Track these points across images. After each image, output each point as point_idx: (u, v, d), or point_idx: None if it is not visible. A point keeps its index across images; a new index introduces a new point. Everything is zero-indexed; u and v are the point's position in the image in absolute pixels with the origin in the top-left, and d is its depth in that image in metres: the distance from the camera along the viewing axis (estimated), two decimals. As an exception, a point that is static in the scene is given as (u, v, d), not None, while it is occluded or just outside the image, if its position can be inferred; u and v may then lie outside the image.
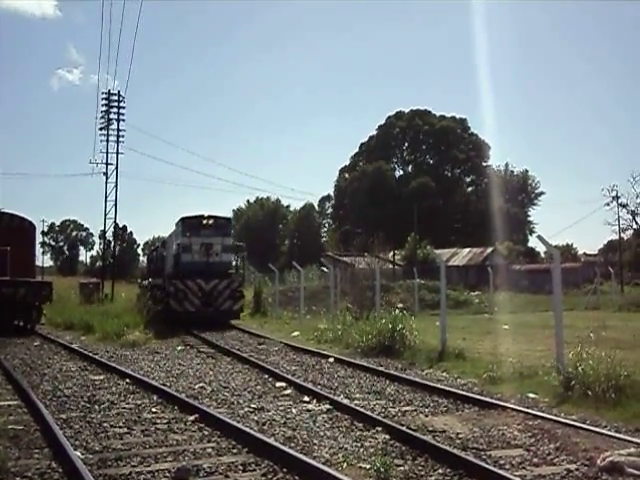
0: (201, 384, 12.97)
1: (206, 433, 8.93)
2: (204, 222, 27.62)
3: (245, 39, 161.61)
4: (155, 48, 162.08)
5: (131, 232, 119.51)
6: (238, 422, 9.32)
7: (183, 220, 27.85)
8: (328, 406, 10.59)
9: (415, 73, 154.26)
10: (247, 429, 8.74)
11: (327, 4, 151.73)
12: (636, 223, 78.79)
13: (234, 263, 29.59)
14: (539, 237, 13.88)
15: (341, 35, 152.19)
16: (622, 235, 71.50)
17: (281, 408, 10.62)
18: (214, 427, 9.12)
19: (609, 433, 8.54)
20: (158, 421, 9.73)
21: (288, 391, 12.14)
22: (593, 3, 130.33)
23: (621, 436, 8.36)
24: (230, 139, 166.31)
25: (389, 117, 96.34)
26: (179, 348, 19.38)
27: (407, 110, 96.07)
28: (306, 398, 11.37)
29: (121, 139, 52.89)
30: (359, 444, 8.26)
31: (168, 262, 29.42)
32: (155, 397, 11.57)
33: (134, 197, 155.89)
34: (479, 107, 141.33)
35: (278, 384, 12.90)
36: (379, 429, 8.89)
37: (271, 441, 8.10)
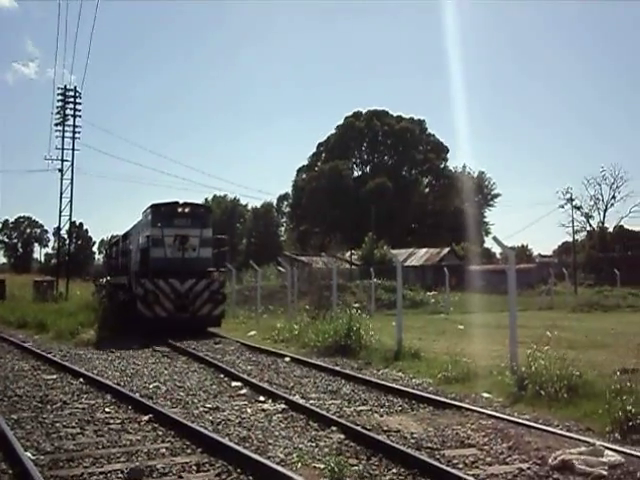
0: (156, 383, 12.88)
1: (160, 433, 8.86)
2: (179, 210, 23.58)
3: (210, 39, 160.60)
4: (118, 45, 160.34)
5: (87, 230, 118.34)
6: (193, 422, 9.27)
7: (154, 207, 23.59)
8: (284, 406, 10.57)
9: (376, 72, 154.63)
10: (201, 429, 8.69)
11: (290, 6, 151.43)
12: (589, 225, 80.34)
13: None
14: (494, 238, 14.04)
15: (303, 36, 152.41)
16: (576, 237, 72.66)
17: (236, 408, 10.58)
18: (168, 427, 9.06)
19: (561, 432, 8.65)
20: (111, 421, 9.63)
21: (244, 391, 12.09)
22: (557, 3, 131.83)
23: (572, 435, 8.47)
24: (188, 137, 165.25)
25: (347, 117, 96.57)
26: (134, 347, 19.16)
27: (365, 110, 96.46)
28: (262, 398, 11.34)
29: (77, 135, 52.24)
30: (314, 444, 8.26)
31: (134, 258, 25.23)
32: (109, 397, 11.45)
33: (91, 194, 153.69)
34: (437, 109, 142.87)
35: (234, 384, 12.85)
36: (334, 429, 8.89)
37: (225, 441, 8.07)
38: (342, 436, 8.55)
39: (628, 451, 7.60)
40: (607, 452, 7.35)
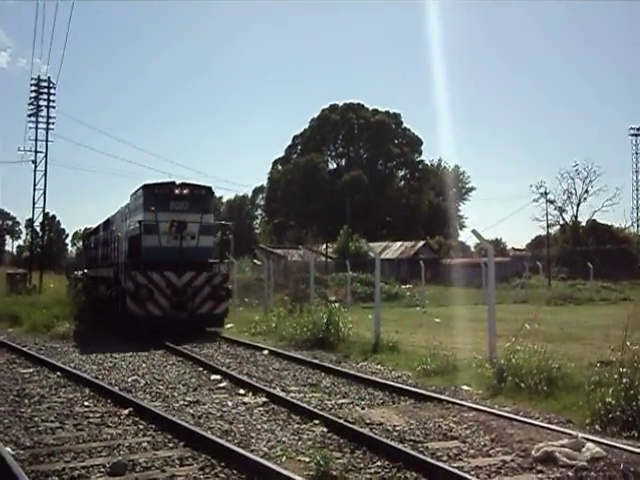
0: (134, 377, 12.80)
1: (141, 427, 8.79)
2: (176, 192, 20.60)
3: (187, 31, 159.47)
4: (92, 35, 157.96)
5: (60, 222, 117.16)
6: (174, 416, 9.20)
7: (146, 188, 20.62)
8: (264, 399, 10.54)
9: (356, 65, 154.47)
10: (183, 423, 8.63)
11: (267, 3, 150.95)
12: (563, 219, 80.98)
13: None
14: (474, 231, 14.06)
15: (279, 28, 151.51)
16: (549, 230, 73.16)
17: (217, 401, 10.53)
18: (149, 421, 8.99)
19: (542, 424, 8.69)
20: (91, 415, 9.55)
21: (223, 384, 12.04)
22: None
23: (554, 427, 8.52)
24: (166, 130, 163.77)
25: (323, 110, 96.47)
26: (110, 340, 19.02)
27: (341, 103, 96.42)
28: (242, 391, 11.31)
29: (51, 126, 51.60)
30: (297, 437, 8.24)
31: (121, 247, 22.39)
32: (87, 390, 11.35)
33: (64, 186, 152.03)
34: (414, 102, 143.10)
35: (213, 377, 12.79)
36: (316, 422, 8.88)
37: (208, 435, 8.02)
38: (325, 429, 8.53)
39: (609, 442, 7.66)
40: (588, 444, 7.39)
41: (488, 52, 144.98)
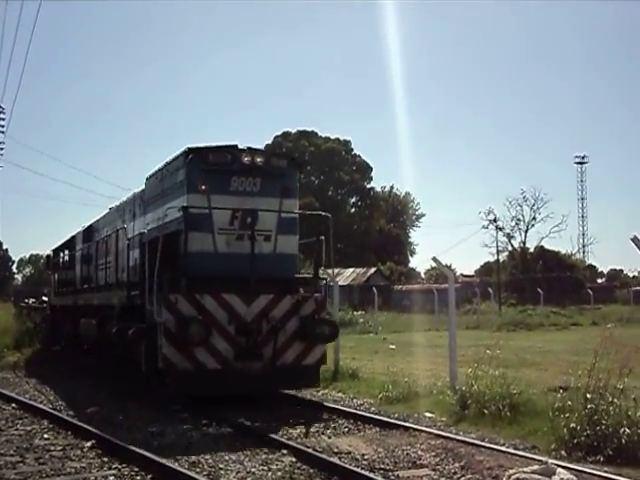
0: (93, 408, 12.51)
1: (106, 460, 8.59)
2: (244, 160, 12.75)
3: (137, 57, 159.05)
4: (45, 64, 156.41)
5: (7, 249, 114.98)
6: (138, 447, 9.02)
7: (193, 153, 12.61)
8: (229, 429, 10.42)
9: (306, 91, 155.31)
10: (150, 455, 8.46)
11: (220, 21, 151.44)
12: (511, 245, 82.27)
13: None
14: (434, 259, 14.21)
15: (233, 51, 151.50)
16: (499, 257, 74.14)
17: (180, 432, 10.36)
18: (113, 453, 8.79)
19: (510, 451, 8.75)
20: (52, 448, 9.31)
21: (184, 414, 11.83)
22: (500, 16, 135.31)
23: (522, 453, 8.58)
24: (115, 155, 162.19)
25: (276, 137, 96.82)
26: (63, 370, 18.63)
27: (294, 130, 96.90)
28: (204, 421, 11.13)
29: (1, 152, 50.95)
30: (266, 467, 8.15)
31: (125, 259, 14.59)
32: (46, 422, 11.09)
33: (9, 212, 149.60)
34: (364, 128, 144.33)
35: (173, 407, 12.56)
36: (284, 452, 8.79)
37: (176, 467, 7.89)
38: (293, 459, 8.46)
39: (578, 468, 7.74)
40: (559, 470, 7.44)
41: (440, 82, 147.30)
